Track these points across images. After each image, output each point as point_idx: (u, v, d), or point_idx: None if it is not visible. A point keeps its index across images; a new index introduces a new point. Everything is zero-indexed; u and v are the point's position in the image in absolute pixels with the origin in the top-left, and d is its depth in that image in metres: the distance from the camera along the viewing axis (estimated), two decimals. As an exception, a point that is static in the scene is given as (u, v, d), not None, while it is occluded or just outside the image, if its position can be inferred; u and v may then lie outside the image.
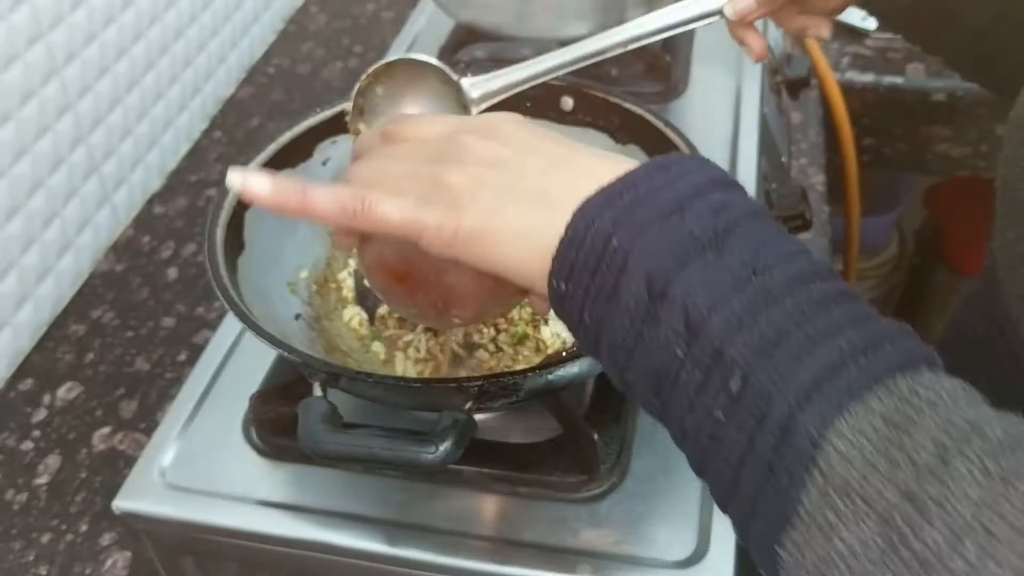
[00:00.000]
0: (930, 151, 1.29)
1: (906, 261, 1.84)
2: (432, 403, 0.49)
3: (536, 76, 0.64)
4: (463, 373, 0.62)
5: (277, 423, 0.62)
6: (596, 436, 0.57)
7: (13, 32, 0.84)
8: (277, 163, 0.68)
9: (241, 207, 0.64)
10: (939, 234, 1.81)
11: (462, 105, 0.63)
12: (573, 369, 0.51)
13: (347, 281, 0.71)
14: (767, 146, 0.86)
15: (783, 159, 0.93)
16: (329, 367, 0.50)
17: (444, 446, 0.46)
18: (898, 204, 1.69)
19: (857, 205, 1.26)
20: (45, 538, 0.74)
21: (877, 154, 1.27)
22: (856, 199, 1.25)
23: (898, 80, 1.19)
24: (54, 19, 0.89)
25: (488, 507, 0.58)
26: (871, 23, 1.26)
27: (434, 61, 0.63)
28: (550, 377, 0.50)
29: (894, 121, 1.23)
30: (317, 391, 0.50)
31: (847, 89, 1.19)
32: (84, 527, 0.75)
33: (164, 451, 0.62)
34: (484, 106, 0.64)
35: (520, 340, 0.65)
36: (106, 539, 0.74)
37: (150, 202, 1.07)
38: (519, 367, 0.61)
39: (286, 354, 0.50)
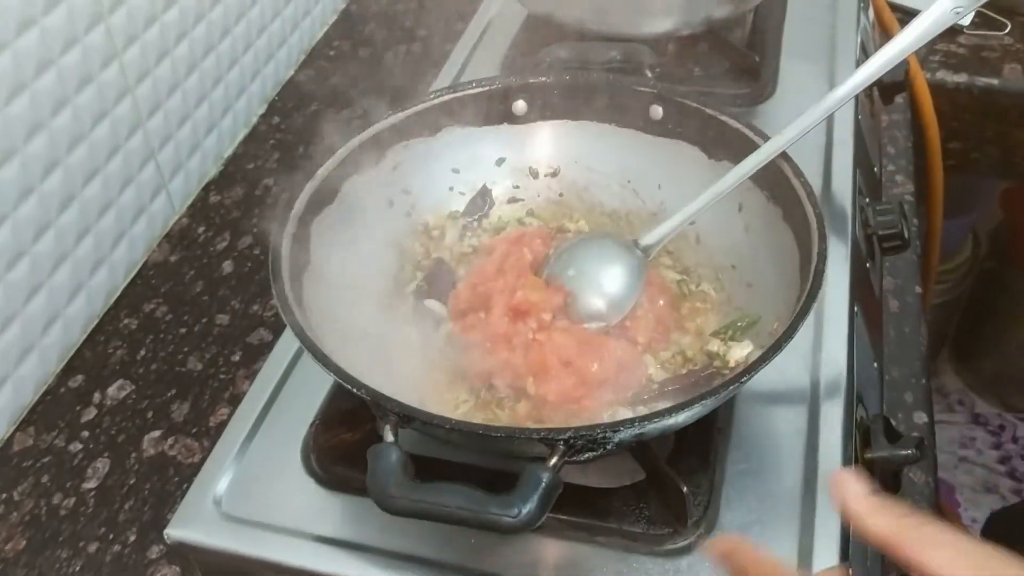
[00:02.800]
0: (1021, 156, 1.21)
1: (979, 265, 1.76)
2: (512, 452, 0.45)
3: (694, 212, 0.62)
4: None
5: (339, 450, 0.58)
6: (685, 488, 0.52)
7: (73, 15, 0.80)
8: (345, 169, 0.64)
9: (308, 217, 0.60)
10: (1015, 237, 1.72)
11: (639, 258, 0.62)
12: (668, 421, 0.46)
13: (412, 296, 0.67)
14: (861, 158, 0.80)
15: (875, 169, 0.87)
16: (402, 408, 0.46)
17: (527, 509, 0.42)
18: (976, 207, 1.62)
19: (940, 212, 1.19)
20: (92, 547, 0.72)
21: (964, 159, 1.20)
22: (940, 206, 1.18)
23: (994, 82, 1.12)
24: (114, 1, 0.85)
25: (563, 556, 0.54)
26: (966, 17, 1.18)
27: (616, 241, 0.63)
28: (643, 430, 0.46)
29: (986, 124, 1.15)
30: (388, 435, 0.46)
31: (937, 90, 1.12)
32: (132, 537, 0.72)
33: (219, 476, 0.59)
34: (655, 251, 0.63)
35: None
36: (154, 552, 0.71)
37: (206, 189, 1.04)
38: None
39: (358, 392, 0.46)
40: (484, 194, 0.70)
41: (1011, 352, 1.83)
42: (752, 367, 0.47)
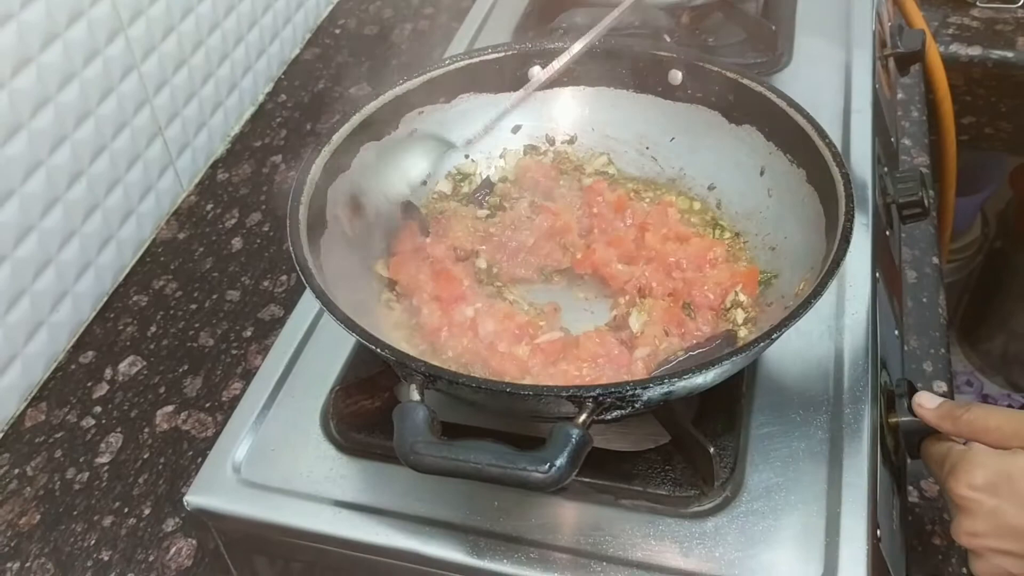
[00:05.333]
0: (1035, 131, 1.20)
1: (988, 245, 1.75)
2: (540, 411, 0.45)
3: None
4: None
5: (359, 417, 0.57)
6: (711, 448, 0.51)
7: (79, -13, 0.79)
8: (361, 134, 0.63)
9: (324, 181, 0.59)
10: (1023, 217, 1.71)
11: None
12: (697, 380, 0.45)
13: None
14: (879, 127, 0.79)
15: (892, 139, 0.86)
16: (429, 368, 0.45)
17: (559, 464, 0.41)
18: (987, 186, 1.60)
19: (953, 188, 1.18)
20: (107, 521, 0.71)
21: (978, 134, 1.19)
22: (953, 182, 1.17)
23: (1008, 54, 1.11)
24: (120, -27, 0.84)
25: (587, 519, 0.53)
26: (979, -9, 1.17)
27: None
28: (672, 388, 0.45)
29: (1000, 99, 1.14)
30: (414, 394, 0.45)
31: (951, 63, 1.11)
32: (147, 511, 0.71)
33: (237, 443, 0.58)
34: None
35: None
36: (169, 524, 0.70)
37: (213, 167, 1.03)
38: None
39: (380, 351, 0.46)
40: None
41: (1019, 333, 1.81)
42: (782, 324, 0.47)
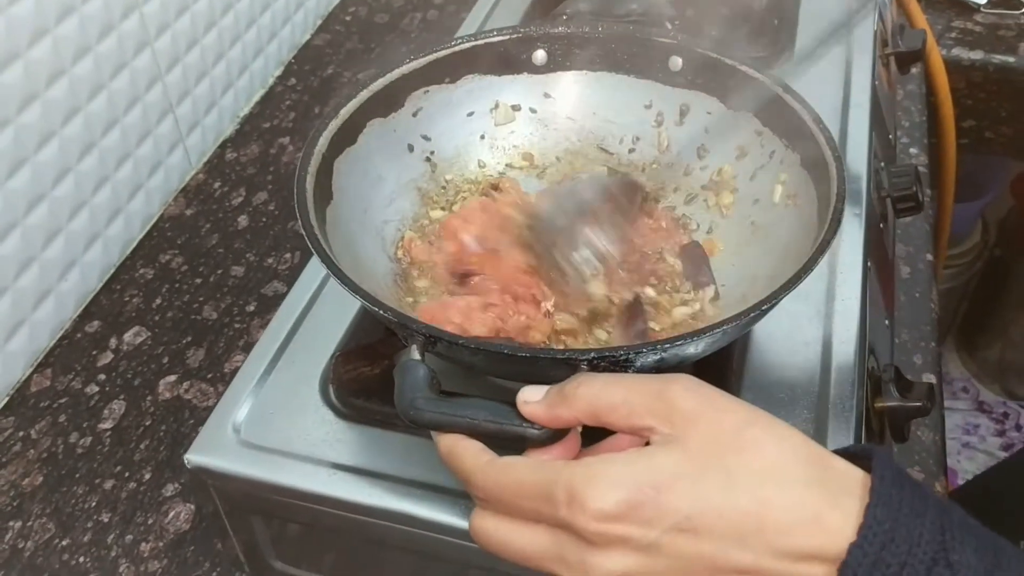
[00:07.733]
0: (1035, 137, 1.22)
1: (987, 252, 1.76)
2: (536, 374, 0.46)
3: None
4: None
5: (358, 383, 0.59)
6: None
7: (96, -39, 0.81)
8: (367, 111, 0.64)
9: (331, 154, 0.60)
10: (1024, 226, 1.73)
11: None
12: (688, 349, 0.47)
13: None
14: (877, 122, 0.81)
15: (890, 136, 0.87)
16: (429, 329, 0.46)
17: (552, 421, 0.42)
18: (987, 192, 1.62)
19: (952, 191, 1.20)
20: (108, 484, 0.72)
21: (978, 137, 1.21)
22: (952, 185, 1.18)
23: (1009, 59, 1.12)
24: (137, -49, 0.86)
25: (578, 487, 0.54)
26: (981, -4, 1.18)
27: None
28: (664, 354, 0.46)
29: (1001, 103, 1.16)
30: (415, 354, 0.46)
31: (952, 66, 1.12)
32: (147, 476, 0.73)
33: (239, 406, 0.59)
34: None
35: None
36: (169, 490, 0.72)
37: (222, 147, 1.04)
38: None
39: (383, 313, 0.47)
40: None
41: (1017, 341, 1.83)
42: (773, 296, 0.48)
